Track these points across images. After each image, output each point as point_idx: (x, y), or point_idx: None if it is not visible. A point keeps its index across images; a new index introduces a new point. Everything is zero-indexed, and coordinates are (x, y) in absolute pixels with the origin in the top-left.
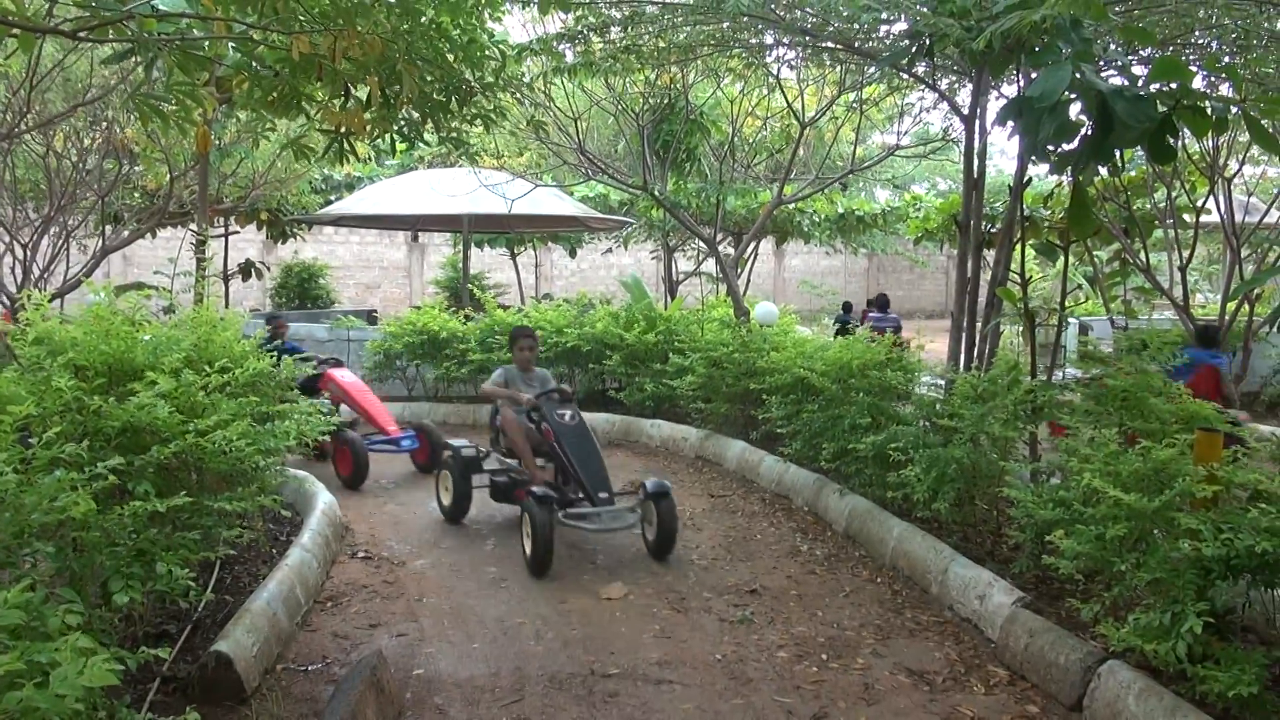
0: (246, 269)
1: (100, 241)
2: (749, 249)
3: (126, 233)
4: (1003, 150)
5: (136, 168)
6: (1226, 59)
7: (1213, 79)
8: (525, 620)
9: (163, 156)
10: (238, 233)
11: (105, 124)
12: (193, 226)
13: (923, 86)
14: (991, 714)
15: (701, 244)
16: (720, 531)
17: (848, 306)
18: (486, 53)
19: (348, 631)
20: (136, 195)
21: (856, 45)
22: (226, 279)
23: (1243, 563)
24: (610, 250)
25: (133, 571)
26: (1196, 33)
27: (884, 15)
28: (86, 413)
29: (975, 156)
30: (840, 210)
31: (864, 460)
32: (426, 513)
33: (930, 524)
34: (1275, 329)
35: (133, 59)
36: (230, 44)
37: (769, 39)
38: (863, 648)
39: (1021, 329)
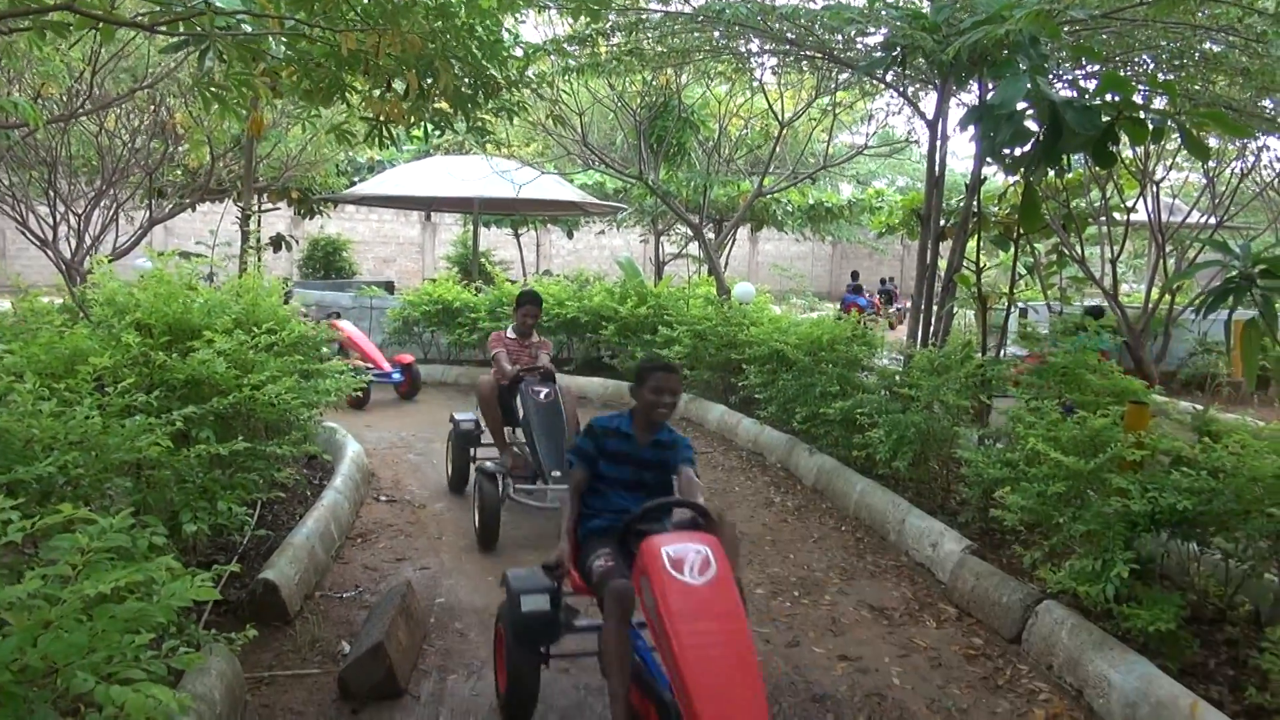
0: (277, 241)
1: (147, 213)
2: (730, 235)
3: (170, 206)
4: (954, 152)
5: (181, 148)
6: (1163, 76)
7: (1150, 93)
8: (535, 556)
9: (205, 138)
10: (276, 209)
11: (154, 107)
12: (231, 201)
13: (891, 92)
14: (942, 645)
15: (686, 228)
16: (703, 484)
17: (855, 274)
18: (510, 52)
19: (376, 564)
20: (179, 173)
21: (835, 54)
22: (260, 250)
23: (1165, 518)
24: (603, 232)
25: (199, 506)
26: (1138, 52)
27: (867, 28)
28: (153, 366)
29: (937, 157)
30: (810, 202)
31: (832, 423)
32: (444, 462)
33: (890, 480)
34: (1202, 315)
35: (187, 49)
36: (282, 38)
37: (755, 46)
38: (829, 587)
39: (974, 311)
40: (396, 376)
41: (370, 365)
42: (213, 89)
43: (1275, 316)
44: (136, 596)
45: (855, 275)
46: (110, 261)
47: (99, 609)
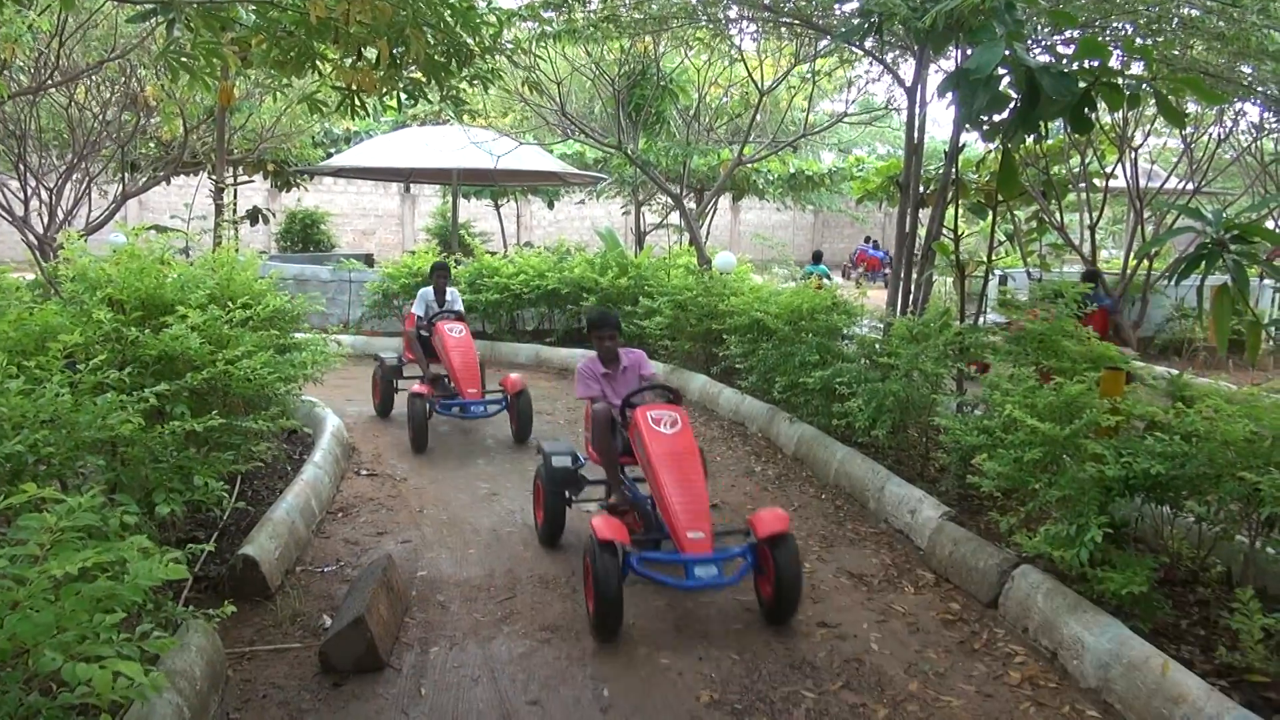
0: (254, 215)
1: (120, 187)
2: (710, 204)
3: (143, 180)
4: (936, 120)
5: (153, 120)
6: (1139, 41)
7: (1127, 59)
8: (514, 530)
9: (178, 110)
10: (250, 181)
11: (125, 79)
12: (206, 175)
13: (870, 60)
14: (920, 610)
15: (668, 198)
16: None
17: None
18: (484, 18)
19: (357, 538)
20: (152, 145)
21: (813, 21)
22: (235, 224)
23: (1139, 483)
24: (584, 203)
25: (174, 484)
26: (1114, 18)
27: None
28: (125, 342)
29: (916, 125)
30: (791, 170)
31: (812, 393)
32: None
33: (869, 448)
34: (1174, 281)
35: (154, 18)
36: (251, 6)
37: (733, 13)
38: (810, 554)
39: (952, 279)
40: (479, 409)
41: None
42: (181, 59)
43: (1246, 282)
44: (108, 576)
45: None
46: (82, 236)
47: (66, 588)
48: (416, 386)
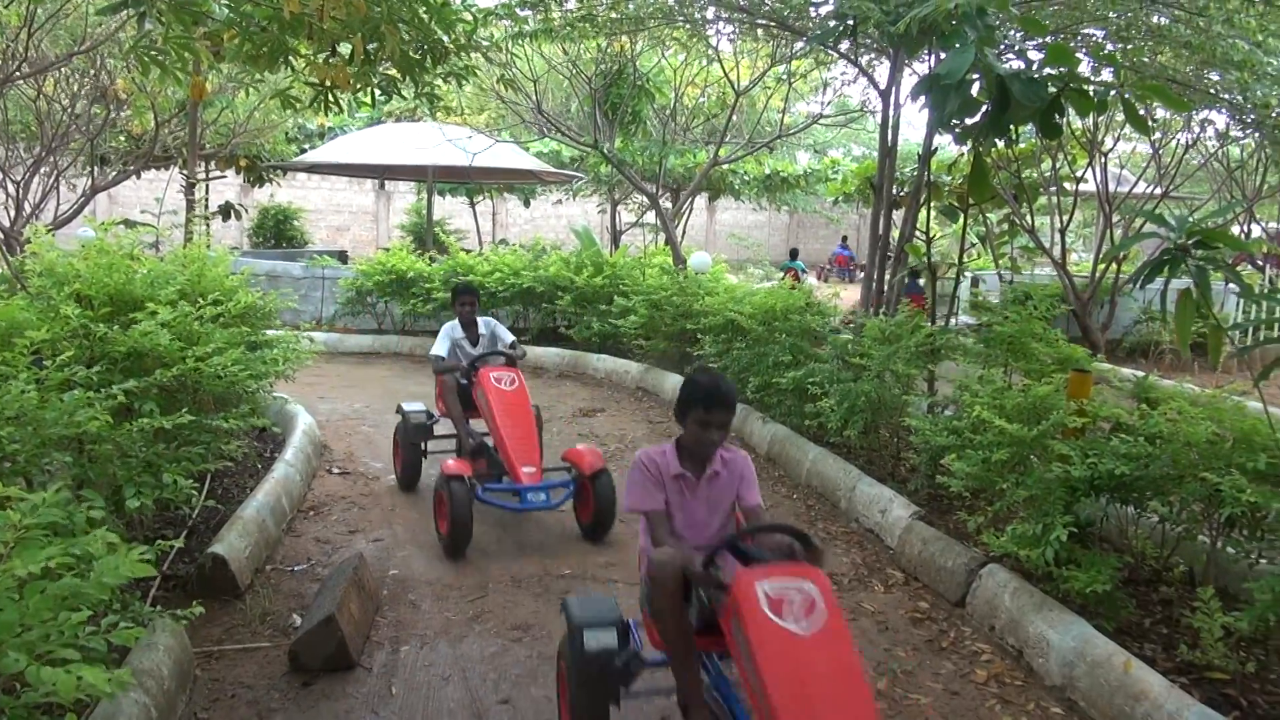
0: (226, 210)
1: (89, 181)
2: (686, 204)
3: (113, 174)
4: (910, 122)
5: (124, 113)
6: (1109, 48)
7: (1096, 65)
8: (487, 528)
9: (149, 104)
10: (222, 177)
11: (95, 71)
12: (177, 169)
13: (845, 62)
14: (889, 609)
15: (643, 198)
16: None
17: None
18: (459, 15)
19: (329, 537)
20: (122, 139)
21: (789, 23)
22: (207, 219)
23: (1104, 483)
24: (560, 201)
25: (143, 480)
26: (1085, 25)
27: None
28: (93, 339)
29: (890, 127)
30: (767, 171)
31: (785, 393)
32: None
33: (841, 448)
34: (1139, 285)
35: (125, 11)
36: (223, 1)
37: (710, 13)
38: None
39: (924, 281)
40: (540, 499)
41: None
42: (152, 53)
43: (1209, 287)
44: (73, 574)
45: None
46: (50, 231)
47: (30, 587)
48: (451, 463)
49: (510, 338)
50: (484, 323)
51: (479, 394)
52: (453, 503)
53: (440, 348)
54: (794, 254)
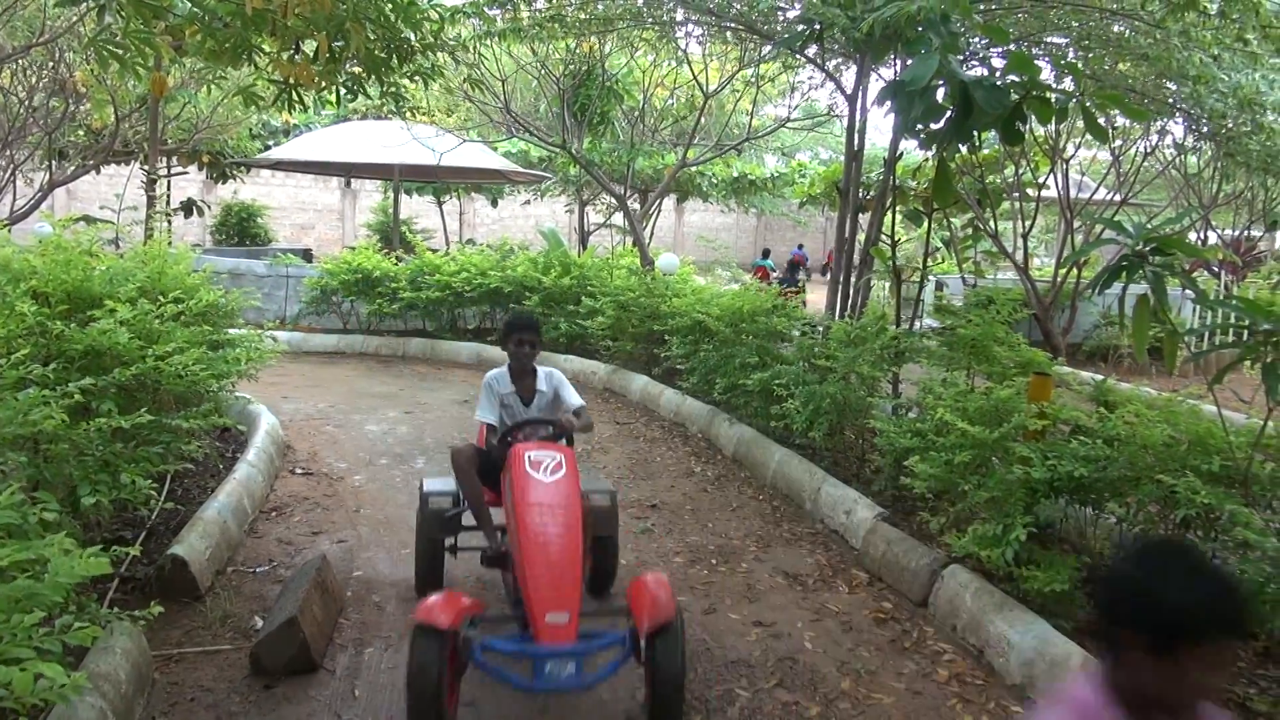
0: (188, 207)
1: (47, 175)
2: (654, 205)
3: (72, 168)
4: (876, 126)
5: (83, 106)
6: (1072, 56)
7: (1058, 73)
8: None
9: (109, 98)
10: (184, 173)
11: (53, 64)
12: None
13: (812, 67)
14: (854, 609)
15: (612, 199)
16: (625, 454)
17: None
18: (425, 14)
19: (291, 538)
20: (81, 133)
21: (757, 27)
22: (168, 215)
23: (1063, 484)
24: (529, 202)
25: (100, 480)
26: (1048, 33)
27: (780, 2)
28: (50, 336)
29: (856, 132)
30: (735, 174)
31: (751, 394)
32: (363, 434)
33: (806, 450)
34: (1097, 291)
35: (85, 3)
36: None
37: (679, 16)
38: (746, 554)
39: (889, 284)
40: (568, 676)
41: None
42: (110, 46)
43: (1164, 292)
44: (27, 575)
45: (766, 252)
46: (5, 226)
47: None
48: (434, 601)
49: (577, 401)
50: (545, 375)
51: (505, 480)
52: (413, 670)
53: (486, 410)
54: (765, 253)
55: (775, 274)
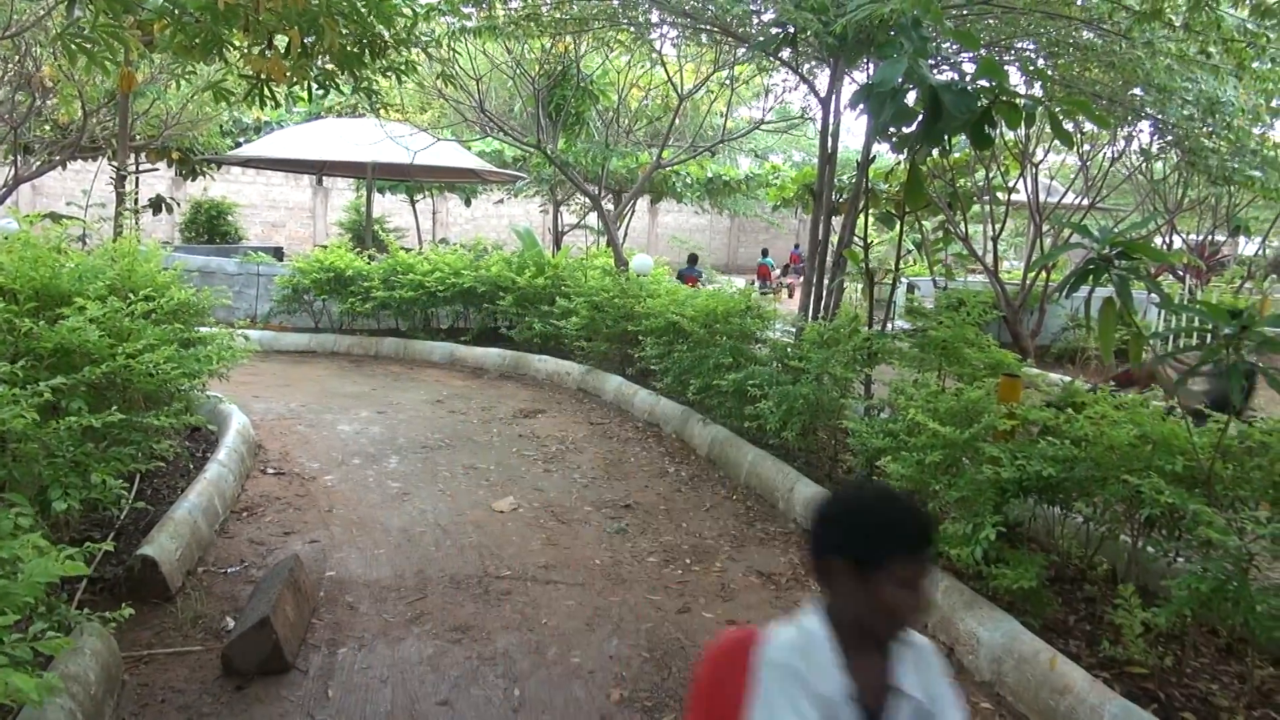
0: (157, 204)
1: (12, 171)
2: (628, 206)
3: (38, 164)
4: (850, 130)
5: (50, 101)
6: (1041, 62)
7: (1028, 79)
8: (426, 529)
9: (77, 93)
10: (153, 169)
11: (20, 57)
12: (106, 161)
13: (786, 70)
14: None
15: (586, 199)
16: (599, 454)
17: (693, 257)
18: (399, 10)
19: (263, 538)
20: (48, 128)
21: (731, 29)
22: (137, 212)
23: (1032, 484)
24: (502, 201)
25: (70, 481)
26: (1018, 39)
27: (754, 6)
28: (18, 334)
29: (829, 135)
30: (709, 175)
31: (725, 395)
32: (335, 434)
33: (779, 450)
34: (1064, 294)
35: None
36: None
37: (654, 17)
38: (720, 554)
39: (862, 286)
40: None
41: None
42: (79, 41)
43: (1130, 296)
44: (1, 575)
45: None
46: None
47: None
48: None
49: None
50: (915, 655)
51: None
52: None
53: None
54: (765, 253)
55: (776, 272)
